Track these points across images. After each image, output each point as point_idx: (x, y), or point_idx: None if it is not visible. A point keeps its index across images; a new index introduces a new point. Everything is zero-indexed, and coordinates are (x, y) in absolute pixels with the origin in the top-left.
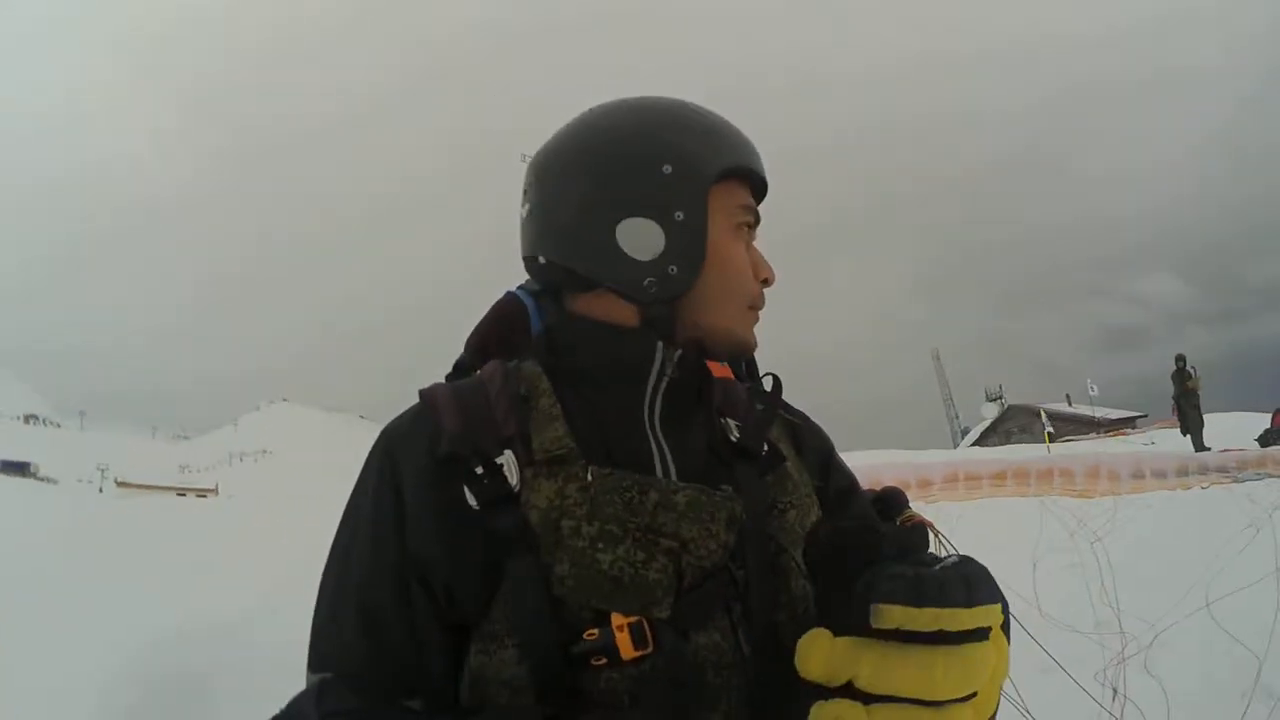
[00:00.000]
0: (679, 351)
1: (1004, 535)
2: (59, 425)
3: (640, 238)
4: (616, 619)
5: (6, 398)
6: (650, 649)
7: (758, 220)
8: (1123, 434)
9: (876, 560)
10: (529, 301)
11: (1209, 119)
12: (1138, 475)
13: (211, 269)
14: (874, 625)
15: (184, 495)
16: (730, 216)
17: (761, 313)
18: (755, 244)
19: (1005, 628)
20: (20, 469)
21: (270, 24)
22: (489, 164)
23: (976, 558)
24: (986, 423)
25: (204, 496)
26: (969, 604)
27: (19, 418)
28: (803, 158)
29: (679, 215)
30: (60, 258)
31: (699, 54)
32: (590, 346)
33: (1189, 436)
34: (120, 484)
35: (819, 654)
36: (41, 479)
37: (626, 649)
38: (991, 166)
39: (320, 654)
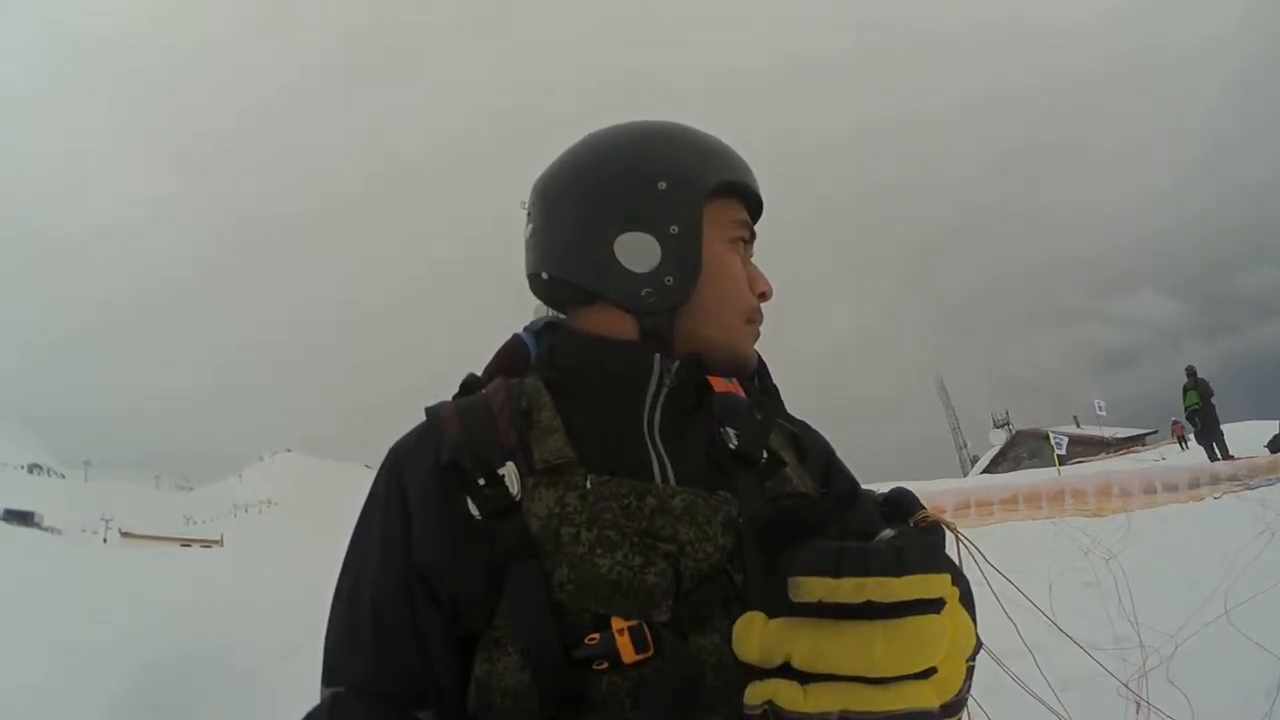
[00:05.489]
0: (677, 363)
1: (1018, 558)
2: (63, 475)
3: (637, 251)
4: (617, 623)
5: (11, 447)
6: (651, 652)
7: (753, 236)
8: (1133, 451)
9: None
10: (530, 340)
11: (1186, 143)
12: (1149, 490)
13: (220, 331)
14: (793, 599)
15: (189, 546)
16: (725, 230)
17: (774, 346)
18: (755, 261)
19: (967, 601)
20: (24, 518)
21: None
22: (506, 245)
23: (992, 582)
24: (995, 449)
25: (209, 547)
26: (900, 573)
27: (23, 467)
28: (794, 162)
29: (674, 229)
30: (67, 317)
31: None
32: (590, 359)
33: (1206, 446)
34: (124, 534)
35: (753, 636)
36: (46, 529)
37: (628, 652)
38: (975, 182)
39: (332, 667)
